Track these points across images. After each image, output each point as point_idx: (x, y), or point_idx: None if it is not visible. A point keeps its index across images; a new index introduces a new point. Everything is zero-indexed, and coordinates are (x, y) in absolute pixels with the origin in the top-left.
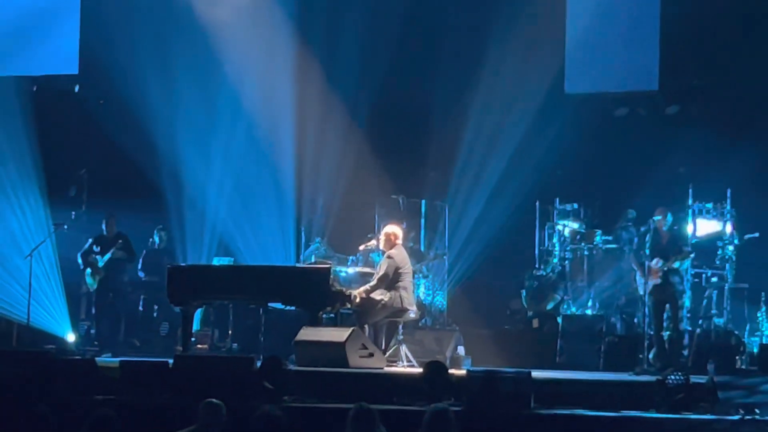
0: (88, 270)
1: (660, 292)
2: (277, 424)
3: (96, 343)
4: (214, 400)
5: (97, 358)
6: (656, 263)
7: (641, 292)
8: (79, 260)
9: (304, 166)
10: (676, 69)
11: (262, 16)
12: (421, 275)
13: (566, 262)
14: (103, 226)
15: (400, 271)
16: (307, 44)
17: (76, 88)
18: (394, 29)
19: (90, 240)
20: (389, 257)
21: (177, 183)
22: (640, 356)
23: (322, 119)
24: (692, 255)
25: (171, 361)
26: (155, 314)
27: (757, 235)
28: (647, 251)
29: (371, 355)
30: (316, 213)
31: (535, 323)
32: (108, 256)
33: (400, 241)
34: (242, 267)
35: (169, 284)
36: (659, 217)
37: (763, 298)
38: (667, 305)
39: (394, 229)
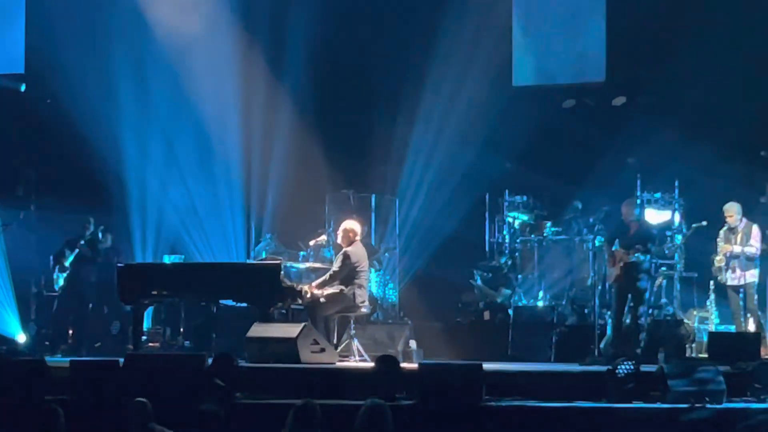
0: (57, 267)
1: (624, 281)
2: (217, 421)
3: (47, 343)
4: (140, 398)
5: (47, 358)
6: (620, 253)
7: (610, 281)
8: (51, 260)
9: (252, 162)
10: (622, 60)
11: (206, 11)
12: (373, 269)
13: (516, 254)
14: (80, 231)
15: (357, 268)
16: (253, 37)
17: (23, 87)
18: (340, 21)
19: (63, 241)
20: (346, 255)
21: (125, 181)
22: (591, 346)
23: (270, 114)
24: (649, 245)
25: (122, 360)
26: (106, 313)
27: (705, 223)
28: (618, 241)
29: (323, 350)
30: (266, 209)
31: (487, 315)
32: (76, 251)
33: (358, 238)
34: (193, 264)
35: (120, 283)
36: (637, 211)
37: (712, 287)
38: (630, 295)
39: (352, 225)
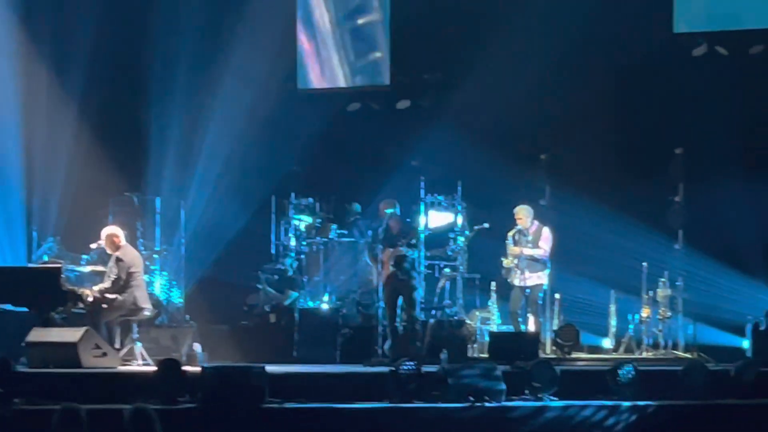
0: None
1: (393, 283)
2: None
3: None
4: None
5: None
6: (387, 253)
7: (381, 283)
8: None
9: (33, 165)
10: (406, 64)
11: None
12: (149, 274)
13: (302, 256)
14: None
15: (131, 271)
16: (34, 40)
17: None
18: (125, 26)
19: None
20: (120, 261)
21: None
22: (375, 347)
23: (52, 117)
24: (413, 240)
25: None
26: None
27: (486, 225)
28: (380, 244)
29: (105, 354)
30: (49, 212)
31: (272, 318)
32: None
33: (123, 242)
34: None
35: None
36: (390, 210)
37: (493, 288)
38: (401, 296)
39: (113, 231)
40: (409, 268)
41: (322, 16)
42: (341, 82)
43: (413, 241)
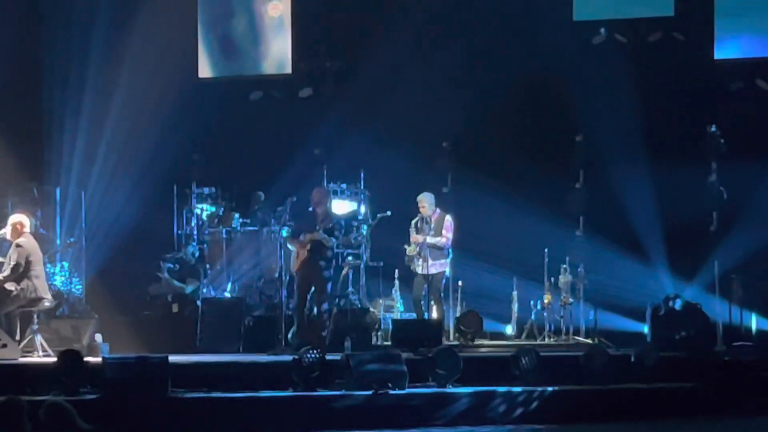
0: None
1: (306, 270)
2: None
3: None
4: None
5: None
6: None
7: (294, 271)
8: None
9: None
10: (307, 52)
11: None
12: (50, 264)
13: (205, 245)
14: None
15: (31, 259)
16: None
17: None
18: (23, 14)
19: None
20: (19, 246)
21: None
22: (279, 336)
23: None
24: (332, 229)
25: None
26: None
27: (389, 213)
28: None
29: (4, 346)
30: None
31: (175, 308)
32: None
33: (27, 230)
34: None
35: None
36: (329, 200)
37: (396, 276)
38: (313, 285)
39: (20, 218)
40: (325, 255)
41: (223, 4)
42: (243, 71)
43: (335, 233)
